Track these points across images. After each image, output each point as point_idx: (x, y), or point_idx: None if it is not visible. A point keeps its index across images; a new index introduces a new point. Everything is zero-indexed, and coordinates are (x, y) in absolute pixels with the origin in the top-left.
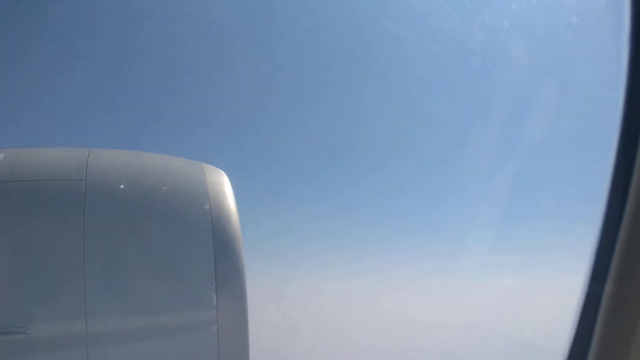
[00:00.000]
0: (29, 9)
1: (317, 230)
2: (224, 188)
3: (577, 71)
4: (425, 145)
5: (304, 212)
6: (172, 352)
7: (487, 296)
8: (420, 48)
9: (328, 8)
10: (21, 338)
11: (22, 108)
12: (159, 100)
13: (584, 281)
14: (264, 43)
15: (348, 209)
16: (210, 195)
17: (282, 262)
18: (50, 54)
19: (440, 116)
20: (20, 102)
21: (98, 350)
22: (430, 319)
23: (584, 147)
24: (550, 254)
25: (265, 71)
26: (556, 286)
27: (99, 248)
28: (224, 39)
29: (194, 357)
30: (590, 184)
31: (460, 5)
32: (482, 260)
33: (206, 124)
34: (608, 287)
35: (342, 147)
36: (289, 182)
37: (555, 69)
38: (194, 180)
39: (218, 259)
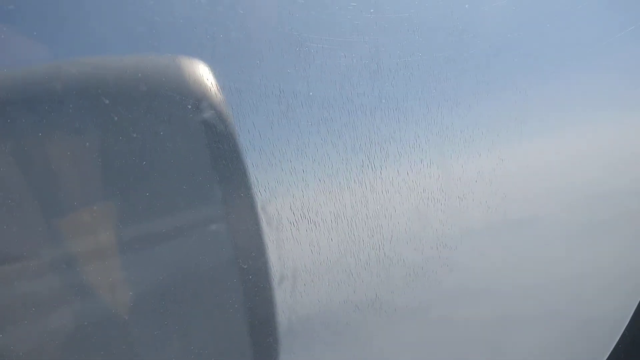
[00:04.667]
0: None
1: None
2: (204, 78)
3: None
4: None
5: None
6: (187, 255)
7: None
8: None
9: None
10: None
11: None
12: None
13: None
14: None
15: None
16: (192, 88)
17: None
18: None
19: None
20: None
21: (116, 262)
22: None
23: None
24: None
25: None
26: None
27: (97, 167)
28: None
29: (210, 257)
30: None
31: None
32: None
33: None
34: None
35: None
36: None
37: None
38: (172, 74)
39: (215, 152)
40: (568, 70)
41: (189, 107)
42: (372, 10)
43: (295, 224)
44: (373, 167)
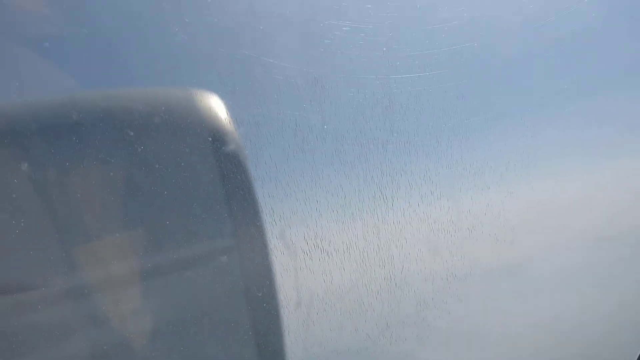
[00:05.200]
0: None
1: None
2: (218, 112)
3: None
4: None
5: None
6: (204, 283)
7: None
8: None
9: None
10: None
11: None
12: None
13: None
14: None
15: None
16: (212, 121)
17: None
18: None
19: None
20: None
21: (130, 292)
22: None
23: None
24: None
25: None
26: None
27: (120, 196)
28: None
29: (225, 284)
30: None
31: None
32: None
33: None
34: None
35: None
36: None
37: None
38: (193, 107)
39: (233, 182)
40: (575, 109)
41: (210, 139)
42: (384, 49)
43: (308, 253)
44: (385, 198)
